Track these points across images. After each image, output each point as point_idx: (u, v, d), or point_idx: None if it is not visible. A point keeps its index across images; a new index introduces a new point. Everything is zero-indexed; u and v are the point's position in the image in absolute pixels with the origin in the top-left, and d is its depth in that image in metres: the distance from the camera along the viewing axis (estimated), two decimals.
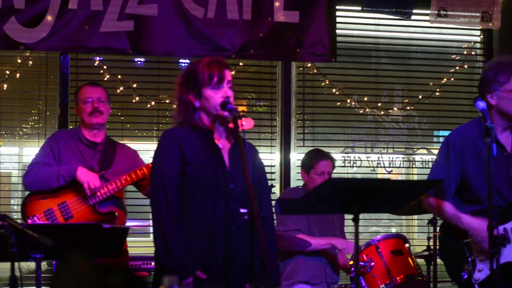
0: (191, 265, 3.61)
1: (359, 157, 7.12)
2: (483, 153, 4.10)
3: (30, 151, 6.39)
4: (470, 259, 4.22)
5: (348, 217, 5.67)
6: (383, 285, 5.09)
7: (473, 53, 7.41)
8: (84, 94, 5.18)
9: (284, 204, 5.16)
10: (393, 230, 7.33)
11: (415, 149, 7.25)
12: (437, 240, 5.57)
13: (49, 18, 6.22)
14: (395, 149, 7.20)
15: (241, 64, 6.87)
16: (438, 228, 5.43)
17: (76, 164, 4.99)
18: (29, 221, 4.87)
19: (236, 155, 3.73)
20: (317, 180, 5.64)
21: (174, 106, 3.89)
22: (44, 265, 5.56)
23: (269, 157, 6.84)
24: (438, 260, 5.61)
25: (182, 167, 3.69)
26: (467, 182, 4.29)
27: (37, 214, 4.93)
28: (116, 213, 5.06)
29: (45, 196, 4.98)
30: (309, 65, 6.98)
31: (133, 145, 6.71)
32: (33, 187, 5.01)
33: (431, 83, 7.26)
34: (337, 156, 6.66)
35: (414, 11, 7.03)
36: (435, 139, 7.61)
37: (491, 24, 7.12)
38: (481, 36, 7.41)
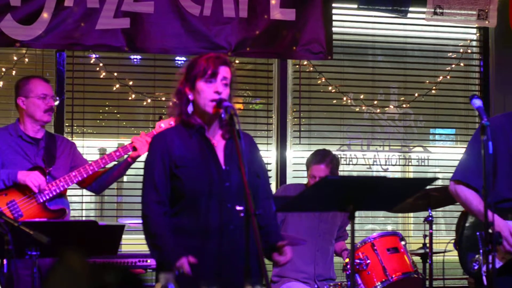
0: (179, 250, 3.60)
1: (355, 155, 7.12)
2: None
3: None
4: (481, 251, 4.23)
5: None
6: (379, 283, 5.09)
7: (469, 51, 7.42)
8: (41, 89, 5.02)
9: (279, 202, 5.15)
10: (389, 227, 7.33)
11: (411, 147, 7.25)
12: (433, 236, 5.59)
13: (45, 15, 6.21)
14: (391, 147, 7.20)
15: (237, 61, 6.86)
16: (434, 226, 5.47)
17: (19, 165, 4.89)
18: None
19: (232, 151, 3.72)
20: (309, 182, 5.68)
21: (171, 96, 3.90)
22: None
23: (265, 154, 6.84)
24: (434, 258, 5.63)
25: (174, 171, 3.69)
26: (495, 173, 4.28)
27: None
28: (66, 210, 4.97)
29: None
30: (305, 63, 6.98)
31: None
32: None
33: (427, 81, 7.26)
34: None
35: (410, 9, 7.03)
36: (431, 137, 7.62)
37: (487, 22, 7.12)
38: (477, 34, 7.42)
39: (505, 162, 4.23)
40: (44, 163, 4.96)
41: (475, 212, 4.27)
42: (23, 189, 4.84)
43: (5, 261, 4.02)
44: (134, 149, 4.96)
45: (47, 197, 4.87)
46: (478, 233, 4.26)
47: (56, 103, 5.13)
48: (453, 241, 4.61)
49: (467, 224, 4.40)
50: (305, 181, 6.06)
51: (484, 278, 4.18)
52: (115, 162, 5.09)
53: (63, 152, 5.10)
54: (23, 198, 4.86)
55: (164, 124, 4.93)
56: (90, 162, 5.04)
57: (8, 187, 4.83)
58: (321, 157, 5.65)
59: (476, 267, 4.27)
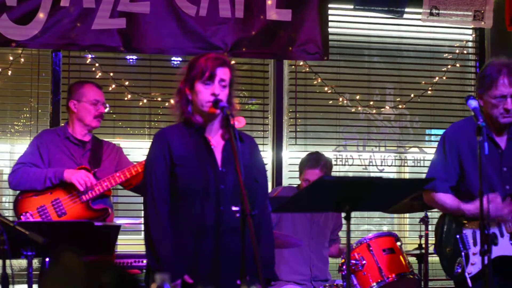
0: (178, 269, 3.61)
1: (351, 156, 7.12)
2: (476, 149, 4.15)
3: (22, 148, 6.32)
4: (463, 253, 4.27)
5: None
6: (375, 283, 5.09)
7: (465, 52, 7.43)
8: (94, 95, 5.21)
9: (275, 203, 5.16)
10: (385, 228, 7.34)
11: (407, 148, 7.26)
12: (429, 237, 5.59)
13: (41, 15, 6.21)
14: (387, 148, 7.21)
15: (233, 62, 6.85)
16: (430, 227, 5.47)
17: (65, 166, 5.02)
18: (22, 218, 4.89)
19: (230, 152, 3.71)
20: (302, 185, 5.68)
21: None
22: (35, 263, 5.55)
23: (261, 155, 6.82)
24: (430, 259, 5.64)
25: (172, 169, 3.70)
26: (463, 176, 4.36)
27: (29, 211, 4.94)
28: (109, 210, 5.08)
29: (38, 193, 5.00)
30: (301, 63, 6.98)
31: (125, 143, 6.73)
32: (18, 187, 5.07)
33: (423, 82, 7.27)
34: (329, 154, 6.66)
35: (406, 10, 7.03)
36: (427, 138, 7.63)
37: (483, 23, 7.13)
38: (473, 35, 7.43)
39: (471, 164, 4.29)
40: (89, 164, 5.09)
41: (452, 210, 4.38)
42: (68, 187, 4.99)
43: (47, 259, 4.08)
44: None
45: (91, 196, 5.00)
46: (457, 236, 4.32)
47: (107, 110, 5.24)
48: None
49: (445, 228, 4.45)
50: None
51: (468, 280, 4.22)
52: None
53: (109, 155, 5.25)
54: (68, 197, 5.01)
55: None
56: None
57: (55, 185, 4.97)
58: (315, 161, 5.66)
59: (459, 270, 4.30)
